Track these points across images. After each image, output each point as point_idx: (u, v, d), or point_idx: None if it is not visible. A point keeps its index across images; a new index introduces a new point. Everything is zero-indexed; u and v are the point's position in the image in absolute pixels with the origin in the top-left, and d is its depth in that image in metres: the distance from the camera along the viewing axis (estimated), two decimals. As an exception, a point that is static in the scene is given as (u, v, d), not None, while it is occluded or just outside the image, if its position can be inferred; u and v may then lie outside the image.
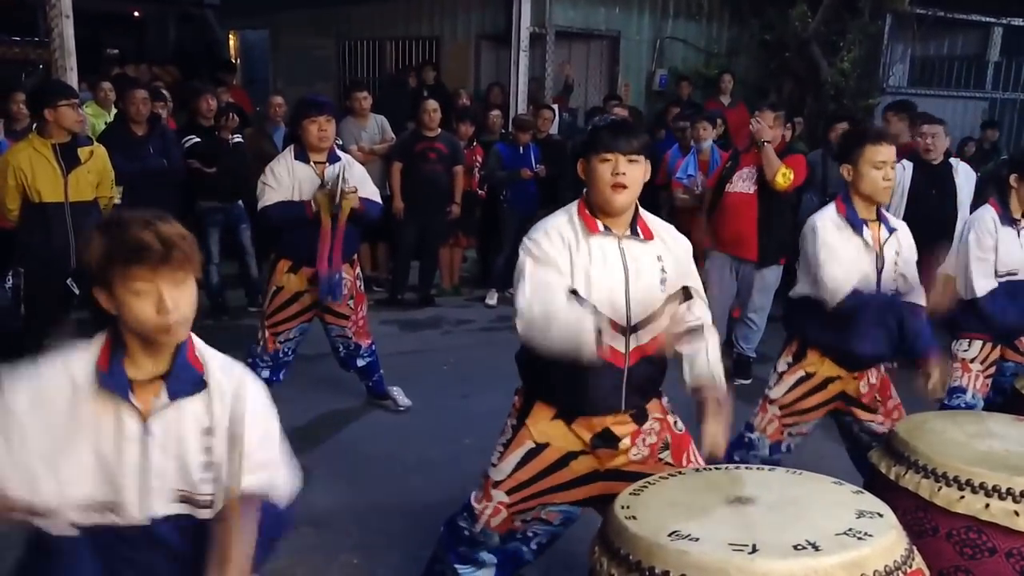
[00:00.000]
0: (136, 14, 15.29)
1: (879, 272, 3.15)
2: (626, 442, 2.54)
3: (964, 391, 3.79)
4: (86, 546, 1.78)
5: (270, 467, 1.89)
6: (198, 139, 6.40)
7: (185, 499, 1.82)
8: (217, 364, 1.86)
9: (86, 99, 6.90)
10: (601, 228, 2.45)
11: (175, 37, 15.23)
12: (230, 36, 13.70)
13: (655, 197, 6.47)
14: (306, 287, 4.39)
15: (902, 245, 3.21)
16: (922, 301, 3.19)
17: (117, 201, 4.94)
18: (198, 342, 1.87)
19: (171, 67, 11.15)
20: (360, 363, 4.72)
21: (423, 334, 6.63)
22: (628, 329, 2.45)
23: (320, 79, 11.31)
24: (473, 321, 6.99)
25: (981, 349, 3.83)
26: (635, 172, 2.42)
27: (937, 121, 5.79)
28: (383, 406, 4.92)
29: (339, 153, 4.49)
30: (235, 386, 1.85)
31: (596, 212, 2.48)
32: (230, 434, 1.81)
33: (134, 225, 1.69)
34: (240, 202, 6.52)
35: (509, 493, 2.62)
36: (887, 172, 3.08)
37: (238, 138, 6.54)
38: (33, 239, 4.69)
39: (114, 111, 7.02)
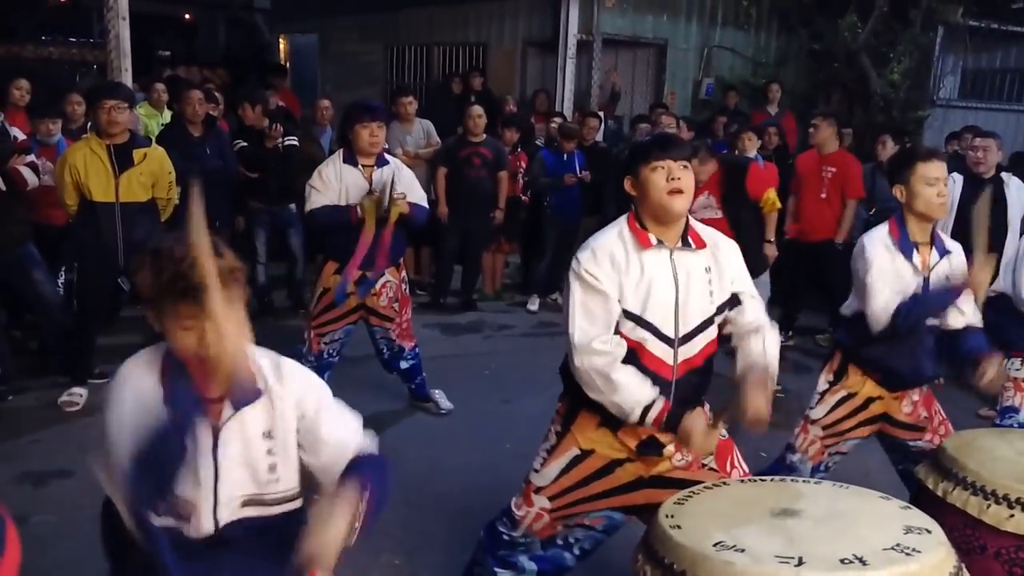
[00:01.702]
0: (187, 17, 15.60)
1: None
2: (670, 449, 2.54)
3: (1017, 411, 3.73)
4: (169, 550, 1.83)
5: (353, 430, 1.95)
6: (245, 143, 6.49)
7: (253, 502, 1.89)
8: (266, 366, 1.91)
9: (139, 100, 7.06)
10: (654, 242, 2.46)
11: (225, 40, 15.51)
12: (280, 40, 13.90)
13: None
14: (352, 289, 4.45)
15: (953, 268, 3.13)
16: (979, 321, 3.13)
17: (176, 202, 5.02)
18: (248, 349, 1.89)
19: (221, 70, 11.33)
20: (404, 365, 4.77)
21: (464, 338, 6.67)
22: (677, 341, 2.46)
23: (367, 84, 11.43)
24: (515, 326, 7.01)
25: None
26: (688, 177, 2.44)
27: (989, 134, 5.71)
28: (425, 409, 4.96)
29: (387, 157, 4.55)
30: (286, 380, 1.90)
31: (647, 225, 2.48)
32: (301, 418, 1.88)
33: (184, 262, 1.69)
34: (292, 206, 6.60)
35: (552, 499, 2.63)
36: (940, 188, 3.03)
37: (292, 140, 6.60)
38: (85, 237, 4.79)
39: (166, 112, 7.17)
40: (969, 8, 9.98)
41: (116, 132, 4.67)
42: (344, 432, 1.94)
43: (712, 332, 2.52)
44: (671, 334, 2.45)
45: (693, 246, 2.49)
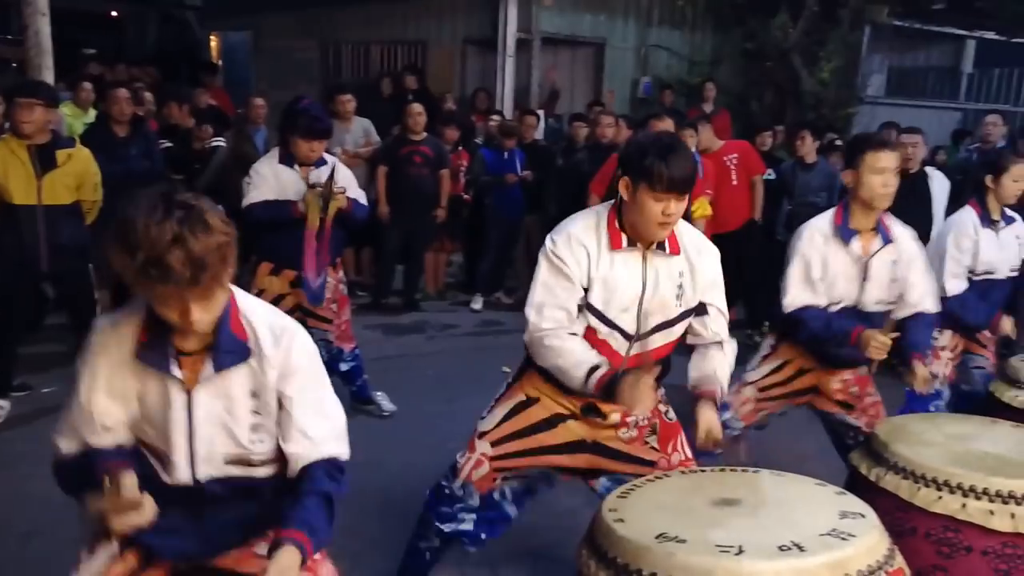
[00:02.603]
0: (114, 13, 15.19)
1: (863, 283, 3.16)
2: (615, 417, 2.56)
3: (935, 376, 3.89)
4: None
5: (328, 427, 1.90)
6: (171, 144, 6.36)
7: (237, 461, 1.84)
8: (264, 328, 1.83)
9: (64, 99, 6.86)
10: (625, 245, 2.47)
11: (155, 38, 15.14)
12: (212, 38, 13.64)
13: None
14: (288, 290, 4.38)
15: (901, 253, 3.20)
16: (929, 304, 3.24)
17: (101, 204, 4.88)
18: (243, 304, 1.83)
19: (150, 68, 11.07)
20: (343, 367, 4.71)
21: (407, 339, 6.63)
22: (634, 336, 2.50)
23: (303, 82, 11.28)
24: (458, 326, 6.99)
25: (951, 339, 3.96)
26: (681, 207, 2.40)
27: (915, 130, 5.90)
28: (367, 411, 4.91)
29: (325, 156, 4.49)
30: (284, 348, 1.83)
31: (625, 227, 2.47)
32: (282, 394, 1.82)
33: (161, 242, 1.55)
34: (220, 207, 6.46)
35: (494, 445, 2.66)
36: (887, 179, 3.10)
37: (219, 141, 6.49)
38: (4, 241, 4.56)
39: (92, 112, 6.97)
40: (894, 8, 10.29)
41: (31, 132, 4.49)
42: (318, 430, 1.86)
43: (673, 334, 2.55)
44: (630, 330, 2.49)
45: (668, 251, 2.49)
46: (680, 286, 2.50)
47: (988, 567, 2.46)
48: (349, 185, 4.40)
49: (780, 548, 1.92)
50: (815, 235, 3.19)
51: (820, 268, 3.15)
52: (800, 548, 1.91)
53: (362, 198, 4.53)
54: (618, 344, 2.50)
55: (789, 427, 3.78)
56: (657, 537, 1.99)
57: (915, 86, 12.43)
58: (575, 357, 2.41)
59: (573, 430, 2.61)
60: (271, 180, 4.27)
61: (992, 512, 2.44)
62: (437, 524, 2.78)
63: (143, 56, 13.00)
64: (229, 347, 1.78)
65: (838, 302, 3.18)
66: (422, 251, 7.40)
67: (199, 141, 6.34)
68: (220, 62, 12.47)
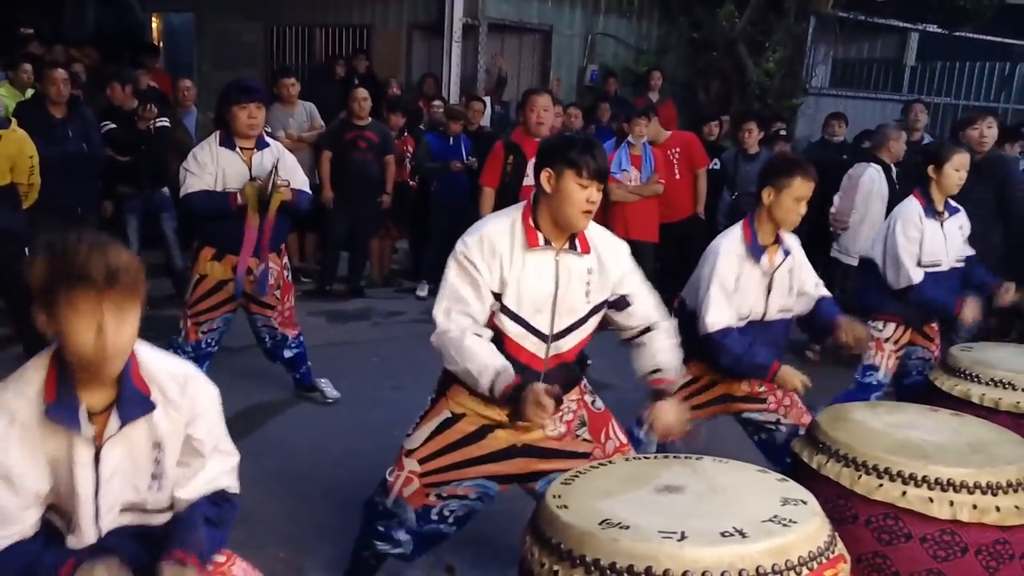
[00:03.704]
0: (53, -8, 14.74)
1: (768, 294, 3.23)
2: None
3: (877, 368, 3.96)
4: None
5: (222, 466, 1.96)
6: (114, 125, 6.18)
7: (136, 508, 1.86)
8: (166, 378, 1.85)
9: (0, 79, 6.62)
10: (541, 243, 2.48)
11: (94, 18, 14.72)
12: (153, 19, 13.31)
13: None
14: (230, 276, 4.30)
15: (796, 260, 3.28)
16: (824, 290, 3.33)
17: (39, 187, 4.73)
18: (144, 357, 1.85)
19: (90, 49, 10.75)
20: (287, 354, 4.64)
21: (352, 326, 6.56)
22: (550, 337, 2.52)
23: (246, 65, 11.05)
24: (404, 313, 6.94)
25: (895, 331, 3.99)
26: (599, 197, 2.47)
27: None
28: (311, 398, 4.85)
29: (268, 140, 4.40)
30: (189, 397, 1.87)
31: (541, 224, 2.49)
32: (186, 439, 1.86)
33: (82, 251, 1.64)
34: (164, 190, 6.34)
35: (422, 462, 2.63)
36: (802, 207, 3.16)
37: (163, 122, 6.33)
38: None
39: (30, 93, 6.74)
40: (839, 0, 10.43)
41: None
42: (215, 471, 1.94)
43: (585, 330, 2.59)
44: (545, 331, 2.50)
45: (579, 250, 2.52)
46: (588, 283, 2.53)
47: (927, 554, 2.48)
48: (293, 172, 4.33)
49: (722, 534, 1.92)
50: (731, 255, 3.18)
51: (734, 286, 3.17)
52: (742, 534, 1.91)
53: (305, 185, 4.46)
54: (535, 347, 2.52)
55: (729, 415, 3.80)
56: (601, 523, 1.98)
57: (859, 78, 12.64)
58: (481, 361, 2.41)
59: (502, 438, 2.60)
60: (210, 165, 4.17)
61: (931, 500, 2.46)
62: (374, 541, 2.74)
63: (83, 37, 12.63)
64: (134, 400, 1.80)
65: (745, 316, 3.21)
66: (367, 238, 7.33)
67: (143, 121, 6.17)
68: (161, 44, 12.17)
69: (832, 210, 5.74)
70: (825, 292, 3.35)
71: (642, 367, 2.66)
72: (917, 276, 3.84)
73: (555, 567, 1.99)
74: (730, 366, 3.18)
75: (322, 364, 4.96)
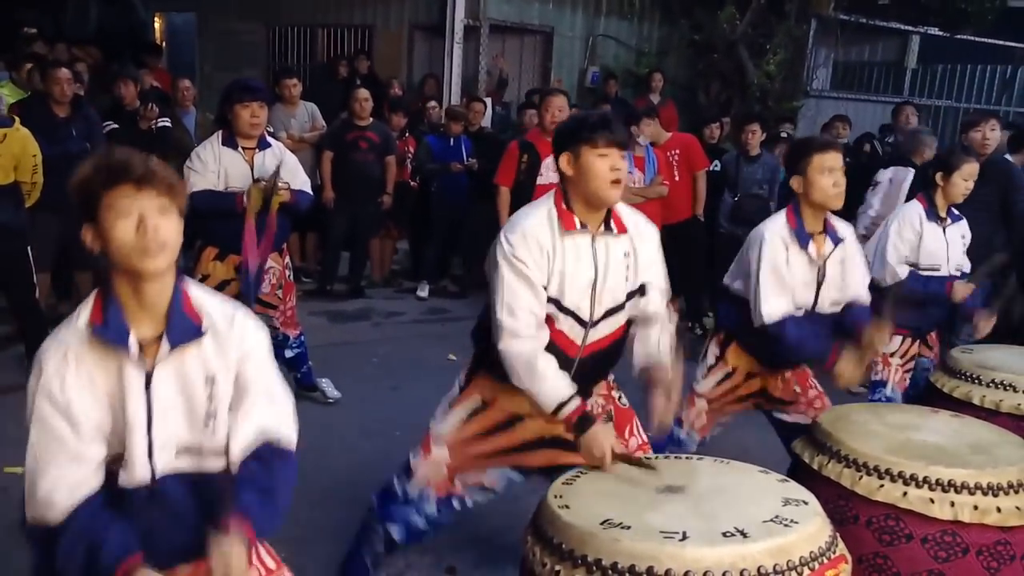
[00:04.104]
0: (55, -8, 14.75)
1: (819, 286, 3.15)
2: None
3: (884, 384, 3.92)
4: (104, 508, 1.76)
5: (275, 412, 1.89)
6: (117, 125, 6.18)
7: (192, 450, 1.81)
8: (217, 312, 1.85)
9: (2, 79, 6.62)
10: (578, 226, 2.45)
11: (96, 17, 14.74)
12: (155, 18, 13.32)
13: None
14: (233, 275, 4.29)
15: (847, 252, 3.20)
16: (864, 294, 3.26)
17: (42, 186, 4.74)
18: (195, 292, 1.85)
19: (92, 48, 10.75)
20: (288, 354, 4.64)
21: (353, 326, 6.56)
22: (589, 323, 2.49)
23: (248, 65, 11.06)
24: (404, 313, 6.94)
25: (901, 344, 3.96)
26: (625, 167, 2.44)
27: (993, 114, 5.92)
28: (311, 398, 4.85)
29: (269, 140, 4.40)
30: (237, 332, 1.85)
31: (574, 207, 2.46)
32: (236, 379, 1.82)
33: (121, 152, 1.74)
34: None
35: (452, 449, 2.61)
36: (837, 177, 3.06)
37: (165, 122, 6.33)
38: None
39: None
40: (840, 2, 10.44)
41: None
42: (266, 417, 1.87)
43: (622, 318, 2.55)
44: (586, 317, 2.48)
45: (615, 231, 2.49)
46: (628, 267, 2.51)
47: (928, 555, 2.49)
48: (295, 172, 4.33)
49: (724, 534, 1.92)
50: (776, 240, 3.10)
51: (787, 273, 3.09)
52: (743, 534, 1.92)
53: (307, 186, 4.46)
54: (574, 333, 2.49)
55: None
56: (602, 523, 1.99)
57: (860, 80, 12.65)
58: (551, 387, 2.39)
59: (531, 428, 2.58)
60: (213, 165, 4.17)
61: (932, 500, 2.47)
62: (387, 528, 2.70)
63: (84, 36, 12.63)
64: (183, 326, 1.79)
65: (798, 309, 3.13)
66: (368, 238, 7.33)
67: (146, 121, 6.17)
68: (164, 43, 12.17)
69: (871, 212, 5.65)
70: (863, 298, 3.25)
71: (642, 356, 2.60)
72: (903, 271, 3.83)
73: (556, 567, 1.99)
74: (790, 357, 3.13)
75: (322, 364, 4.96)
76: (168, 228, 1.73)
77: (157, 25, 13.29)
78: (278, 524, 1.87)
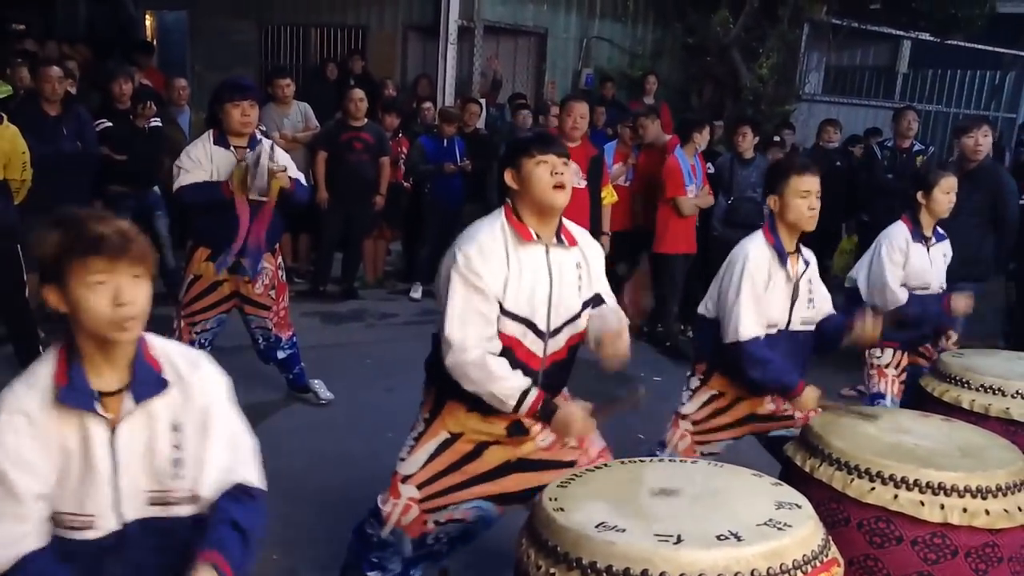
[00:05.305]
0: (44, -11, 14.67)
1: (792, 304, 3.17)
2: (535, 429, 2.61)
3: (884, 396, 3.94)
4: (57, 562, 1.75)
5: (240, 457, 1.90)
6: (110, 123, 6.16)
7: (158, 500, 1.81)
8: (178, 358, 1.85)
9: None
10: (533, 236, 2.50)
11: (87, 15, 14.67)
12: (146, 17, 13.27)
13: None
14: (225, 276, 4.29)
15: (813, 273, 3.25)
16: (831, 307, 3.29)
17: (31, 184, 4.71)
18: (153, 340, 1.85)
19: (82, 46, 10.71)
20: (281, 355, 4.64)
21: (345, 327, 6.56)
22: (548, 334, 2.53)
23: (240, 64, 11.00)
24: (397, 315, 6.94)
25: (894, 356, 4.00)
26: (569, 173, 2.50)
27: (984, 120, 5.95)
28: (304, 399, 4.85)
29: (261, 139, 4.39)
30: (200, 378, 1.86)
31: (524, 219, 2.52)
32: (201, 426, 1.82)
33: (92, 220, 1.69)
34: (156, 189, 6.33)
35: (420, 487, 2.61)
36: (812, 201, 3.08)
37: (156, 122, 6.32)
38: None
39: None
40: (832, 7, 10.48)
41: None
42: (229, 459, 1.87)
43: (578, 326, 2.60)
44: (544, 328, 2.52)
45: (566, 243, 2.57)
46: (580, 277, 2.57)
47: (918, 557, 2.51)
48: (288, 167, 4.32)
49: (718, 537, 1.93)
50: (760, 257, 3.11)
51: (764, 290, 3.10)
52: (737, 537, 1.93)
53: (303, 179, 4.46)
54: (534, 345, 2.52)
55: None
56: (597, 526, 1.99)
57: (852, 85, 12.71)
58: (507, 383, 2.42)
59: (498, 454, 2.61)
60: (204, 163, 4.17)
61: (923, 503, 2.49)
62: (366, 573, 2.71)
63: (74, 34, 12.57)
64: (147, 379, 1.79)
65: (774, 325, 3.14)
66: (361, 239, 7.32)
67: (142, 119, 6.16)
68: (155, 42, 12.12)
69: None
70: (832, 310, 3.29)
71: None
72: (903, 295, 3.86)
73: (551, 570, 2.00)
74: (756, 379, 3.08)
75: (315, 365, 4.96)
76: (143, 297, 1.72)
77: (148, 23, 13.24)
78: (251, 565, 1.86)
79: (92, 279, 1.66)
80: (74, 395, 1.73)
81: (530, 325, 2.50)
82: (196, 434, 1.83)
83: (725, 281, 3.18)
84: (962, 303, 3.95)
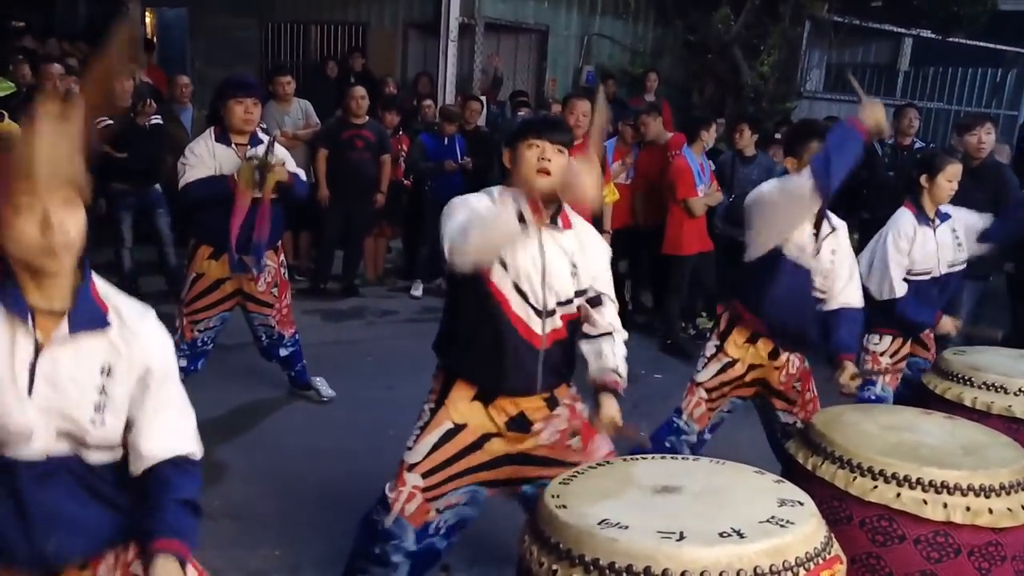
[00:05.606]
0: (44, -14, 14.65)
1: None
2: (538, 426, 2.62)
3: (874, 383, 3.94)
4: None
5: (185, 424, 1.86)
6: (111, 121, 6.15)
7: (73, 437, 1.74)
8: (124, 306, 1.79)
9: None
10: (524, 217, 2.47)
11: (86, 12, 14.66)
12: (147, 14, 13.26)
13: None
14: (228, 274, 4.29)
15: (839, 243, 3.30)
16: (853, 298, 3.32)
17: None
18: (103, 285, 1.80)
19: (81, 44, 10.69)
20: (283, 353, 4.63)
21: (346, 324, 6.56)
22: (544, 313, 2.53)
23: (241, 62, 10.98)
24: (397, 312, 6.94)
25: (891, 344, 3.99)
26: (560, 161, 2.49)
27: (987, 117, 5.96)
28: (306, 397, 4.85)
29: (262, 136, 4.39)
30: (146, 333, 1.79)
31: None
32: (140, 380, 1.76)
33: (23, 142, 1.61)
34: (157, 186, 6.32)
35: (424, 476, 2.62)
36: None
37: (157, 119, 6.31)
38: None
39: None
40: (834, 4, 10.47)
41: None
42: (174, 425, 1.82)
43: (571, 309, 2.60)
44: (539, 305, 2.52)
45: (560, 226, 2.56)
46: (573, 264, 2.57)
47: (920, 555, 2.51)
48: (288, 162, 4.31)
49: (720, 534, 1.93)
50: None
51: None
52: (740, 535, 1.93)
53: (302, 174, 4.46)
54: (533, 322, 2.53)
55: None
56: (599, 523, 1.99)
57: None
58: (499, 216, 2.36)
59: (498, 447, 2.63)
60: (207, 159, 4.17)
61: (925, 502, 2.48)
62: (370, 566, 2.70)
63: (74, 31, 12.56)
64: (88, 312, 1.73)
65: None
66: (361, 236, 7.31)
67: (143, 117, 6.15)
68: (155, 39, 12.11)
69: None
70: (852, 302, 3.35)
71: (594, 365, 2.64)
72: (901, 290, 3.85)
73: (554, 566, 1.99)
74: (827, 177, 3.10)
75: (316, 362, 4.95)
76: (74, 224, 1.65)
77: (148, 20, 13.22)
78: (195, 543, 1.82)
79: (18, 201, 1.60)
80: (6, 298, 1.67)
81: (527, 300, 2.50)
82: (129, 385, 1.76)
83: (758, 219, 3.30)
84: (948, 325, 3.99)
